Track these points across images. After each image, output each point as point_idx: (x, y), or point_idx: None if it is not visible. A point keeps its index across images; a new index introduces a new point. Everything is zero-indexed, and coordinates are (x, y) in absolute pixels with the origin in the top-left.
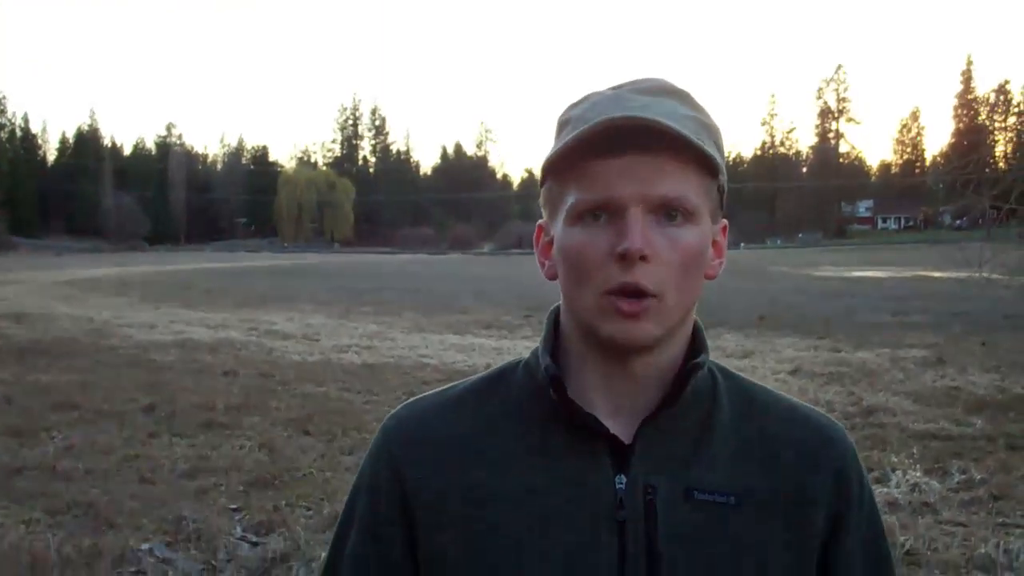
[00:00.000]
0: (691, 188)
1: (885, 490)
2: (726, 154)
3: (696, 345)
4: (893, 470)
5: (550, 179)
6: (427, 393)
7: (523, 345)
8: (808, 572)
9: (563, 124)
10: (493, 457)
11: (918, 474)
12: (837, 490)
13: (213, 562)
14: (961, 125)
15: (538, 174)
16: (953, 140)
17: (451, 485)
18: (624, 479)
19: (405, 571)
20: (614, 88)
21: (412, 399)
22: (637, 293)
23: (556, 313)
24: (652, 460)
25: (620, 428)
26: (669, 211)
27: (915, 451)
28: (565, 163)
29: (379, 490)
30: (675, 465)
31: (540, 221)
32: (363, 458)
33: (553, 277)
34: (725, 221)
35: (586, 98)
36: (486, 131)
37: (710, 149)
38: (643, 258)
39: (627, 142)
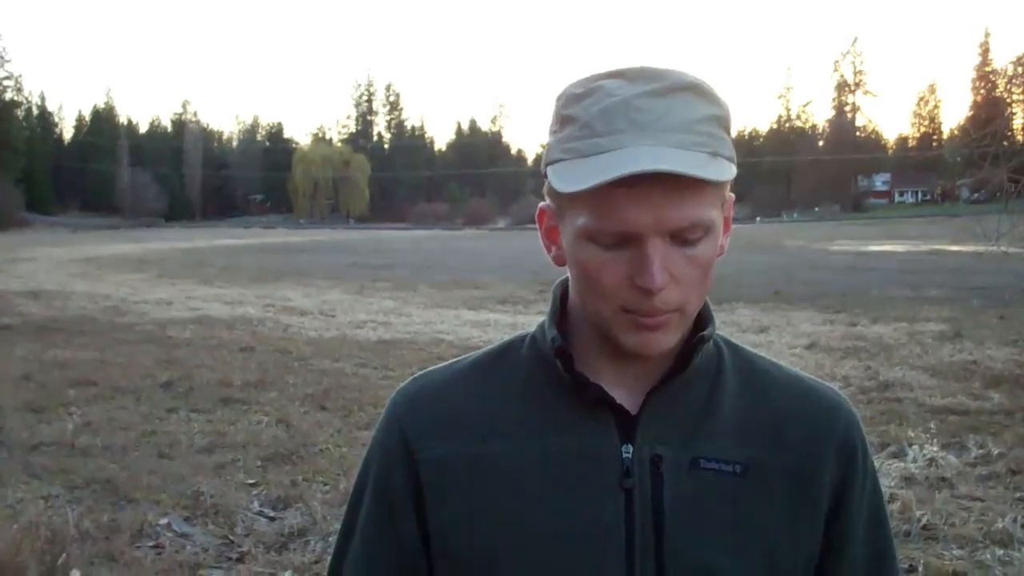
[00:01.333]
0: (708, 205)
1: (902, 465)
2: (741, 128)
3: (702, 319)
4: (910, 445)
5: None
6: (436, 366)
7: (538, 320)
8: (813, 540)
9: (566, 120)
10: (500, 427)
11: (935, 449)
12: (840, 460)
13: (231, 537)
14: (979, 98)
15: None
16: (971, 113)
17: (459, 455)
18: (631, 448)
19: (416, 538)
20: (622, 78)
21: (421, 372)
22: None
23: (563, 286)
24: (658, 430)
25: (627, 398)
26: (687, 237)
27: (932, 426)
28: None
29: (389, 461)
30: (681, 435)
31: (542, 205)
32: (373, 431)
33: (562, 264)
34: (732, 195)
35: (591, 92)
36: (500, 107)
37: (727, 166)
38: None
39: (643, 177)
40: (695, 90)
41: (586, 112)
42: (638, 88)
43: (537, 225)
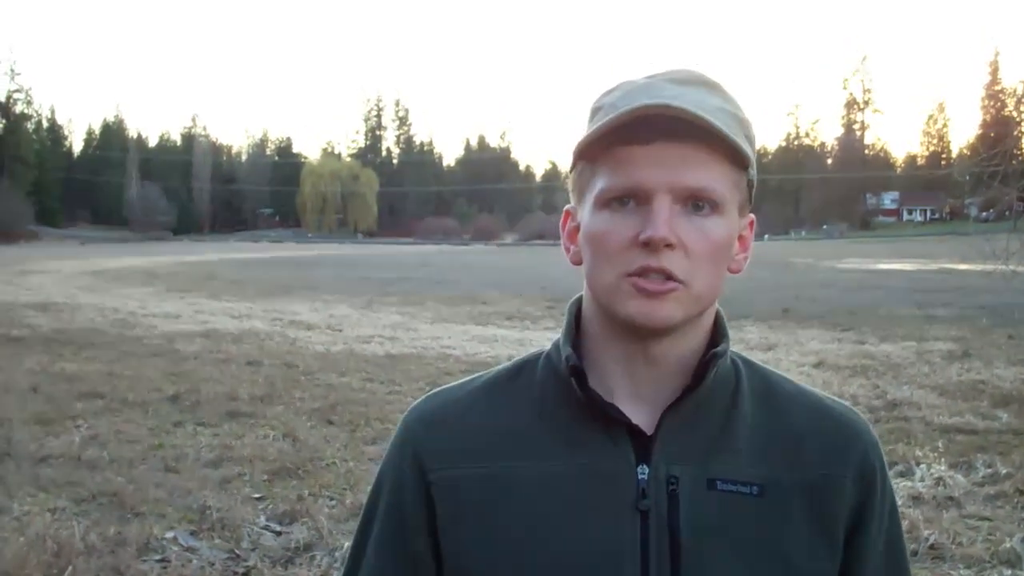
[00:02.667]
0: (719, 179)
1: (909, 484)
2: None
3: (717, 335)
4: (918, 464)
5: (580, 164)
6: (449, 385)
7: (545, 336)
8: (832, 562)
9: (596, 111)
10: (514, 447)
11: (943, 468)
12: (860, 482)
13: (237, 551)
14: (988, 117)
15: (561, 166)
16: (980, 132)
17: (472, 475)
18: (646, 469)
19: (428, 560)
20: (648, 77)
21: (433, 391)
22: (664, 277)
23: (577, 304)
24: (674, 450)
25: (642, 418)
26: (696, 201)
27: (940, 445)
28: (595, 149)
29: (402, 481)
30: (697, 455)
31: (568, 206)
32: (386, 450)
33: (578, 263)
34: (752, 216)
35: (619, 86)
36: (509, 123)
37: (740, 141)
38: (668, 246)
39: (657, 130)
40: (715, 87)
41: (612, 97)
42: (661, 77)
43: (560, 229)
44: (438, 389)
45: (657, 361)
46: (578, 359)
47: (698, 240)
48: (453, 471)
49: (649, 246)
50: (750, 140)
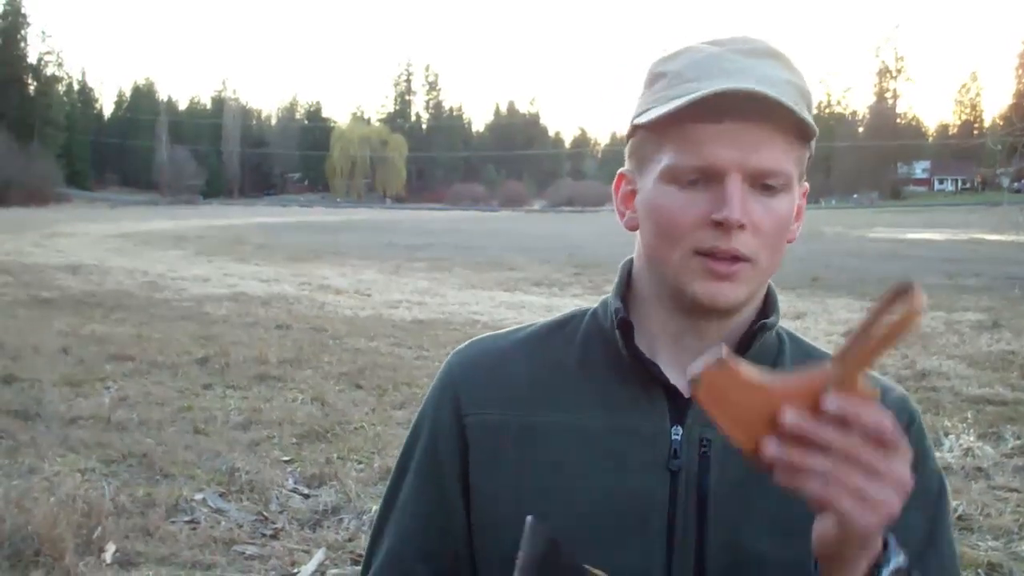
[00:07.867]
0: (789, 158)
1: (938, 454)
2: None
3: (767, 307)
4: (946, 434)
5: (642, 132)
6: (494, 333)
7: (573, 303)
8: None
9: (657, 76)
10: (552, 399)
11: (972, 439)
12: None
13: (265, 513)
14: (1021, 86)
15: (590, 132)
16: (1013, 101)
17: (509, 423)
18: (680, 430)
19: (459, 504)
20: (713, 43)
21: (478, 337)
22: (732, 258)
23: (630, 264)
24: None
25: (681, 380)
26: (766, 181)
27: (969, 416)
28: (663, 122)
29: (439, 425)
30: None
31: (622, 169)
32: (427, 391)
33: (634, 228)
34: (807, 185)
35: (682, 52)
36: (538, 89)
37: (808, 116)
38: (740, 226)
39: (731, 110)
40: (782, 59)
41: (677, 65)
42: (728, 48)
43: (613, 192)
44: (483, 336)
45: (705, 336)
46: (626, 313)
47: (767, 219)
48: (488, 416)
49: (722, 227)
50: (810, 109)
